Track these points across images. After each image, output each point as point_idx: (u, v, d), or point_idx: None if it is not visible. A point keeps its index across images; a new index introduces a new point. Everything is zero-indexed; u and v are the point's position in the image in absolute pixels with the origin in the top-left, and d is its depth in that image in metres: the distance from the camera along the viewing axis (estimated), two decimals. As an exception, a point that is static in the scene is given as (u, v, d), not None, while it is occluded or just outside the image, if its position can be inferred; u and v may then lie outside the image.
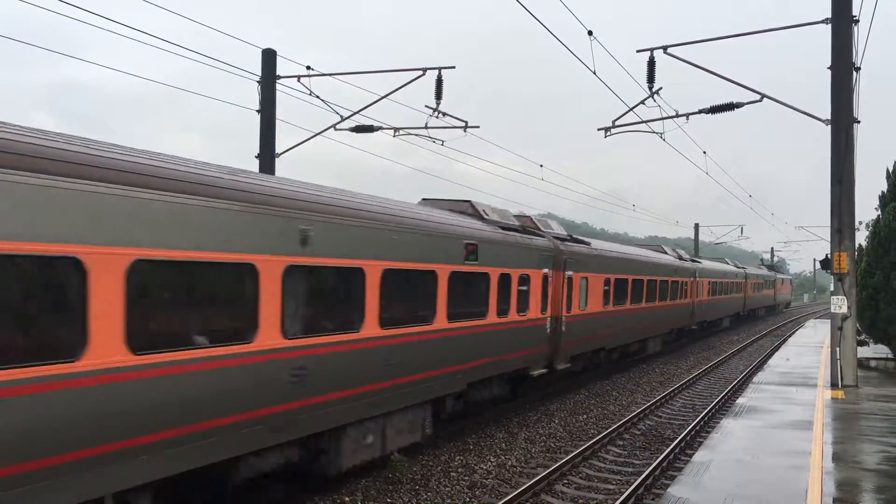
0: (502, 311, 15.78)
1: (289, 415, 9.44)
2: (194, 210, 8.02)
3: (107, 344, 7.08)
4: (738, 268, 54.63)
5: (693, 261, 39.32)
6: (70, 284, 6.84)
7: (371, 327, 11.14)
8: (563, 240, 20.42)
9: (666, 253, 34.71)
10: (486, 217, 16.37)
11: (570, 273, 19.84)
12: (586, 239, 23.75)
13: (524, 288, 16.92)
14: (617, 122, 22.59)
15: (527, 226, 19.01)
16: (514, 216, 18.70)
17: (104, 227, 7.05)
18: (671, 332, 34.24)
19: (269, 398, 9.10)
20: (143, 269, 7.42)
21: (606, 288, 23.14)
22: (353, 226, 10.64)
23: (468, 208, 16.38)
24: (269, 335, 9.04)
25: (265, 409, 9.03)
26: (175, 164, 8.23)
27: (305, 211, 9.65)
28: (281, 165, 22.41)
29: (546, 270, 18.25)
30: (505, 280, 15.84)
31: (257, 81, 21.89)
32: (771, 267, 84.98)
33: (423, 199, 16.45)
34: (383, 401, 11.59)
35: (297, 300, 9.57)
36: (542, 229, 19.68)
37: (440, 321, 13.14)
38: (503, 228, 16.50)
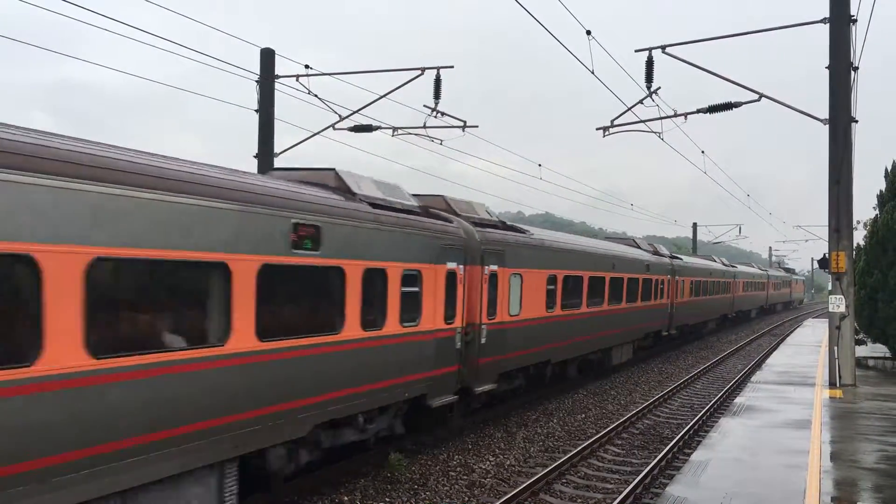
0: (656, 298, 30.24)
1: (601, 338, 23.33)
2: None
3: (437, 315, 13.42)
4: (762, 270, 69.39)
5: (732, 266, 53.30)
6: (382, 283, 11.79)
7: (625, 304, 25.56)
8: (672, 257, 34.92)
9: (715, 261, 48.60)
10: (644, 247, 31.05)
11: (677, 277, 33.88)
12: (681, 256, 40.37)
13: (662, 287, 31.17)
14: (615, 122, 22.61)
15: (657, 251, 32.48)
16: (649, 244, 32.42)
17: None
18: (720, 317, 48.36)
19: (600, 329, 22.93)
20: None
21: (692, 286, 37.60)
22: (633, 264, 26.22)
23: (647, 245, 31.83)
24: (608, 304, 23.45)
25: (598, 333, 22.84)
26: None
27: (615, 257, 24.41)
28: (279, 165, 22.41)
29: (668, 276, 32.30)
30: (658, 282, 30.47)
31: (256, 81, 21.87)
32: (788, 270, 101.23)
33: (606, 237, 33.45)
34: (623, 338, 26.01)
35: (615, 291, 24.50)
36: (661, 252, 33.27)
37: (637, 303, 27.39)
38: (653, 254, 31.03)
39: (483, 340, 15.07)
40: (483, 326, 15.03)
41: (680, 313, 34.53)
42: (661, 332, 32.06)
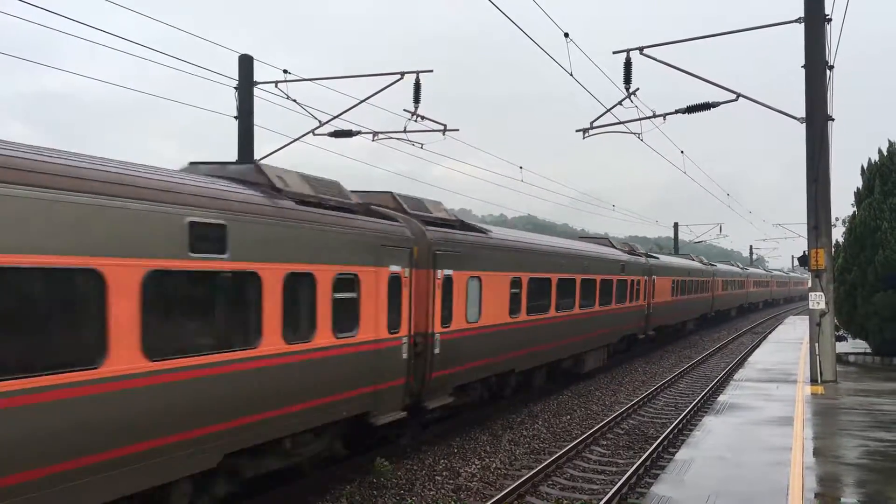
0: (704, 292, 45.80)
1: (684, 314, 40.70)
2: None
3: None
4: (766, 271, 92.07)
5: (744, 268, 71.71)
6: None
7: (690, 295, 41.21)
8: (712, 265, 51.33)
9: (733, 266, 66.29)
10: (696, 260, 47.59)
11: (715, 278, 49.67)
12: (714, 263, 55.78)
13: (707, 285, 46.42)
14: (595, 123, 22.67)
15: (702, 261, 48.80)
16: (697, 257, 48.75)
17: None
18: (738, 306, 65.29)
19: (684, 310, 40.26)
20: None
21: (723, 284, 53.48)
22: (694, 272, 43.10)
23: (697, 258, 48.94)
24: (686, 295, 40.09)
25: (684, 311, 40.83)
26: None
27: (689, 268, 42.30)
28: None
29: (710, 278, 47.65)
30: (705, 282, 46.17)
31: (234, 87, 21.76)
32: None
33: (679, 255, 51.53)
34: (689, 315, 42.53)
35: (689, 288, 41.67)
36: (704, 261, 49.42)
37: (697, 294, 43.62)
38: (701, 263, 47.56)
39: (650, 311, 31.45)
40: (651, 304, 31.33)
41: (716, 303, 51.55)
42: (707, 315, 49.02)
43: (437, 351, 13.38)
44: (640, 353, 32.76)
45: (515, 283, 17.15)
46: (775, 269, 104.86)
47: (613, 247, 28.08)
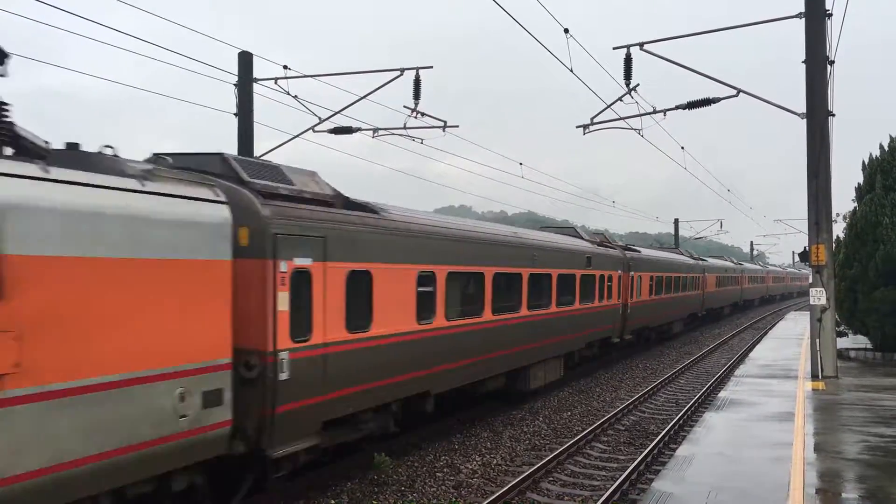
0: (734, 285, 60.06)
1: (721, 301, 54.02)
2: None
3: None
4: (781, 269, 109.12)
5: (764, 266, 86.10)
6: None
7: (724, 288, 55.18)
8: (741, 264, 66.30)
9: (756, 265, 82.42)
10: (728, 260, 62.43)
11: (744, 274, 64.42)
12: (742, 262, 73.53)
13: (736, 279, 60.36)
14: (595, 119, 22.66)
15: (733, 262, 63.44)
16: (730, 259, 65.27)
17: None
18: (760, 297, 79.72)
19: (722, 298, 54.06)
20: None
21: (748, 279, 67.65)
22: (727, 269, 56.92)
23: (730, 258, 67.00)
24: (724, 287, 53.85)
25: (720, 301, 54.29)
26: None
27: (724, 267, 56.67)
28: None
29: (739, 274, 62.49)
30: (734, 277, 59.50)
31: (234, 84, 21.74)
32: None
33: (710, 256, 61.59)
34: (727, 302, 56.76)
35: (727, 282, 57.04)
36: (734, 261, 64.96)
37: (729, 287, 57.57)
38: (732, 262, 63.24)
39: (704, 298, 44.84)
40: (704, 293, 44.04)
41: (744, 294, 64.24)
42: (737, 303, 61.61)
43: (628, 311, 27.46)
44: (641, 351, 32.79)
45: (651, 278, 31.06)
46: (790, 267, 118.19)
47: (682, 254, 43.36)
